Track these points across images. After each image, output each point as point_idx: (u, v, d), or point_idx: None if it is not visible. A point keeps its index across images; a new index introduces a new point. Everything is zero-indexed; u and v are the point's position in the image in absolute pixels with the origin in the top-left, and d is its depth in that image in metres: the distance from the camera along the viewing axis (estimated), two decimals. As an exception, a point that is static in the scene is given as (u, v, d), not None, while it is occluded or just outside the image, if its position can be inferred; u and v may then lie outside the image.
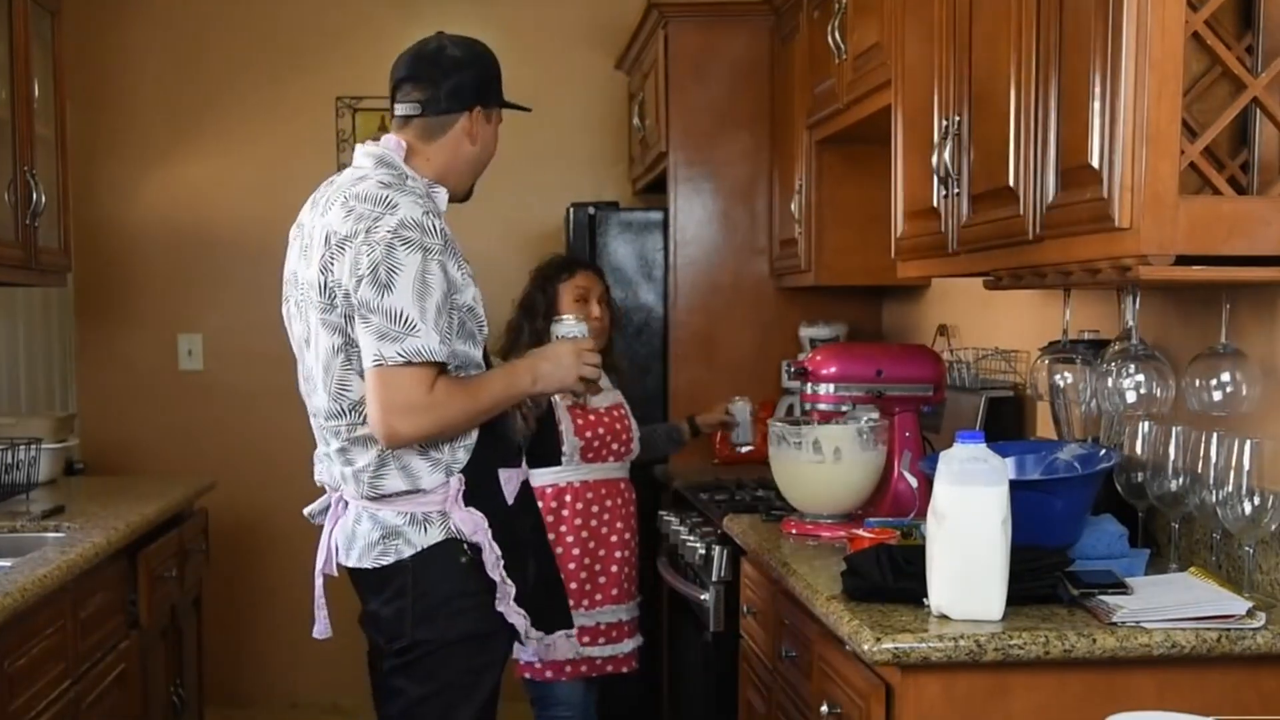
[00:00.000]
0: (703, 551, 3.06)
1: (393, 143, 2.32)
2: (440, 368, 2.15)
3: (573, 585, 3.20)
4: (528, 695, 3.32)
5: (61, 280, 3.79)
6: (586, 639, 3.22)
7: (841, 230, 3.63)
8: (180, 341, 4.73)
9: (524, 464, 2.41)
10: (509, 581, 2.24)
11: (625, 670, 3.32)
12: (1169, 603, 1.93)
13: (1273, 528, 2.00)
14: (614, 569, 3.28)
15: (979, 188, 2.30)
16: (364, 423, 2.19)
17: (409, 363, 2.10)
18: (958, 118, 2.36)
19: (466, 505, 2.22)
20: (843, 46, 3.19)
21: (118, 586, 2.95)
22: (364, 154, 2.33)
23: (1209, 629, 1.86)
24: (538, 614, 2.32)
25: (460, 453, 2.24)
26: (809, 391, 2.89)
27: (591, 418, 3.26)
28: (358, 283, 2.12)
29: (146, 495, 3.42)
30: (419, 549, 2.21)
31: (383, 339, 2.10)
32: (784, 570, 2.41)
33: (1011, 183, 2.15)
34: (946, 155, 2.39)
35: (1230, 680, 1.89)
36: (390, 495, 2.22)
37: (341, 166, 4.68)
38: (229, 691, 4.62)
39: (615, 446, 3.29)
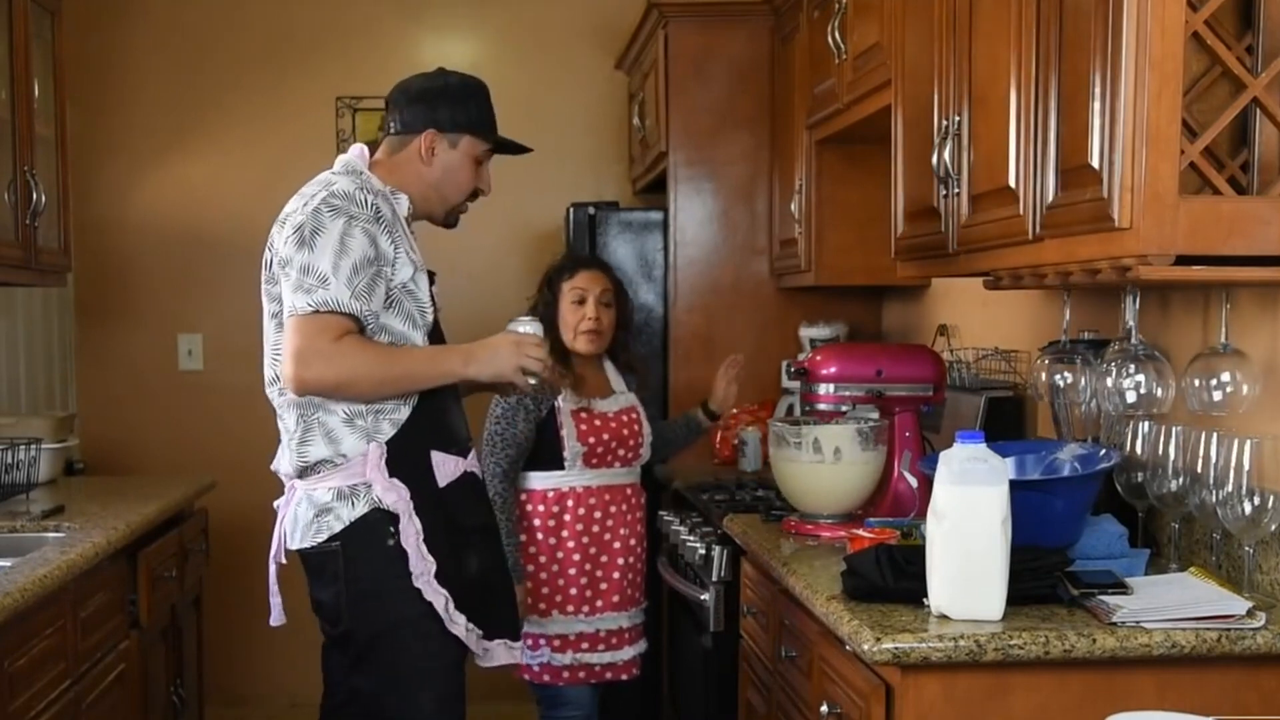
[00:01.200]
0: (703, 551, 3.06)
1: (356, 150, 2.47)
2: (351, 321, 2.24)
3: (573, 591, 3.17)
4: (533, 696, 3.31)
5: (61, 280, 3.79)
6: (586, 645, 3.19)
7: (841, 230, 3.63)
8: (180, 341, 4.73)
9: (470, 458, 2.46)
10: (428, 557, 2.30)
11: (625, 677, 3.27)
12: (1169, 603, 1.93)
13: (1273, 528, 1.99)
14: (615, 575, 3.20)
15: (979, 188, 2.30)
16: (287, 390, 2.30)
17: (316, 311, 2.21)
18: (958, 118, 2.36)
19: (390, 476, 2.29)
20: (843, 46, 3.19)
21: (118, 586, 2.95)
22: (339, 161, 2.46)
23: (1209, 629, 1.86)
24: (474, 612, 2.36)
25: (385, 425, 2.31)
26: (809, 391, 2.89)
27: (597, 423, 3.18)
28: (284, 244, 2.27)
29: (146, 495, 3.41)
30: (347, 523, 2.29)
31: (296, 291, 2.22)
32: (784, 570, 2.41)
33: (1011, 183, 2.15)
34: (946, 155, 2.39)
35: (1230, 680, 1.89)
36: (316, 464, 2.31)
37: (341, 166, 4.74)
38: (229, 691, 4.62)
39: (622, 452, 3.21)
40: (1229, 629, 1.86)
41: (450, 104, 2.47)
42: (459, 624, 2.34)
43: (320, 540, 2.32)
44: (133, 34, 4.66)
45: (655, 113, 4.21)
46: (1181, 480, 2.14)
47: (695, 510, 3.40)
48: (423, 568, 2.30)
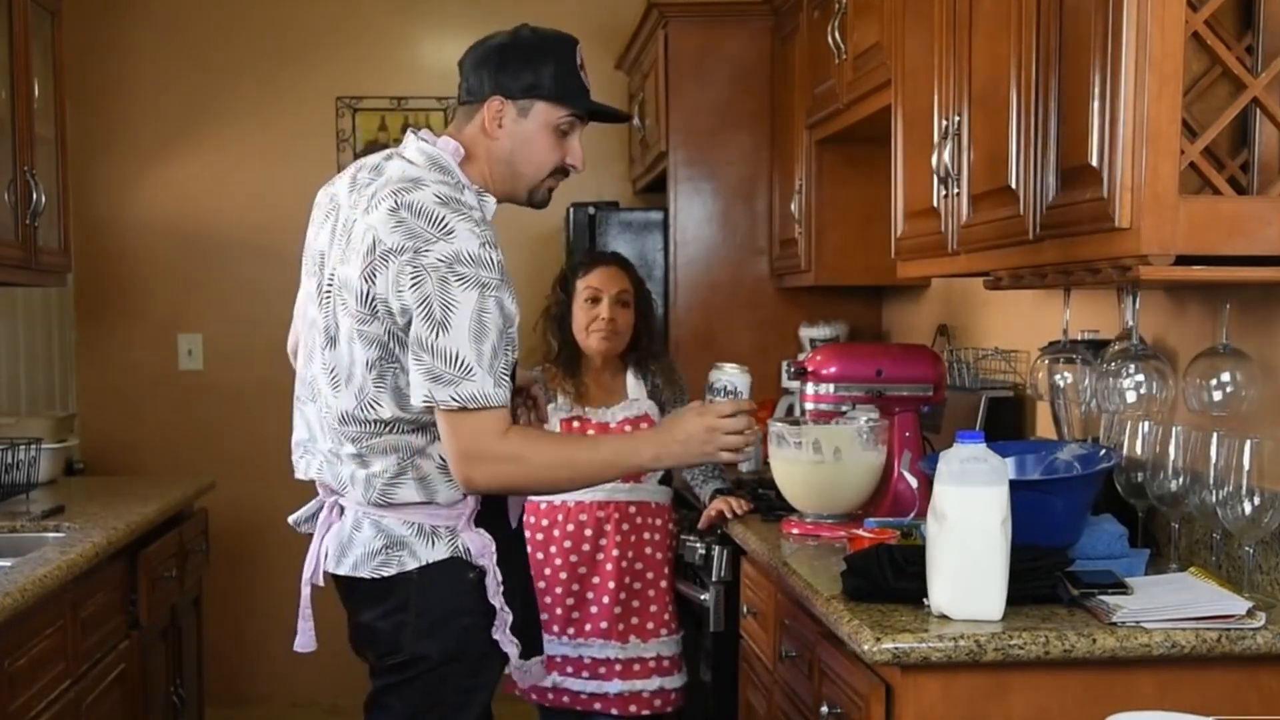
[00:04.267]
0: (703, 551, 3.06)
1: (450, 146, 2.14)
2: (502, 412, 2.02)
3: (558, 611, 3.06)
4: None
5: (61, 280, 3.79)
6: (570, 670, 3.06)
7: (841, 230, 3.63)
8: (180, 341, 4.73)
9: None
10: (507, 609, 2.14)
11: (615, 711, 3.07)
12: (1169, 603, 1.93)
13: (1273, 528, 1.99)
14: (606, 600, 3.06)
15: (979, 188, 2.30)
16: (383, 434, 2.08)
17: (464, 408, 1.98)
18: (958, 118, 2.36)
19: (476, 526, 2.13)
20: (843, 46, 3.19)
21: (118, 586, 2.95)
22: (418, 149, 2.13)
23: (1209, 629, 1.86)
24: (523, 640, 2.21)
25: None
26: (809, 391, 2.89)
27: (590, 433, 3.05)
28: (403, 307, 1.99)
29: (146, 495, 3.41)
30: (424, 563, 2.09)
31: (436, 381, 1.97)
32: (784, 570, 2.41)
33: (1011, 183, 2.15)
34: (946, 155, 2.39)
35: (1230, 680, 1.89)
36: (400, 505, 2.10)
37: (341, 167, 4.73)
38: (229, 691, 4.62)
39: None
40: (1229, 629, 1.86)
41: (519, 65, 2.13)
42: (522, 664, 2.22)
43: (388, 573, 2.10)
44: (133, 34, 4.66)
45: (655, 113, 4.21)
46: (1181, 480, 2.14)
47: (696, 510, 3.40)
48: (502, 619, 2.14)
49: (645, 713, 3.10)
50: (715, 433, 2.14)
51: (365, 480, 2.10)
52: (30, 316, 4.23)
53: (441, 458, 2.07)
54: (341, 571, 2.15)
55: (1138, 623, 1.87)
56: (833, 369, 2.85)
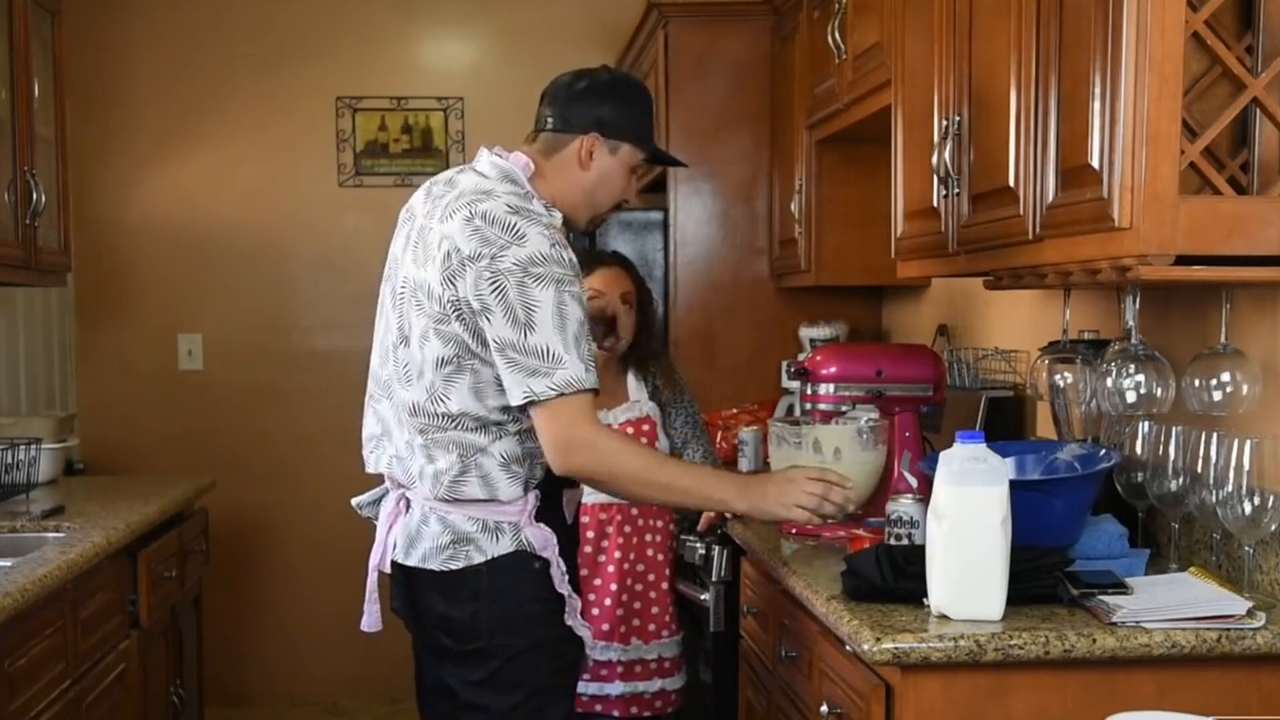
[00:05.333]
0: (703, 551, 3.06)
1: (521, 161, 2.27)
2: (593, 397, 2.14)
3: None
4: None
5: (61, 280, 3.79)
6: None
7: (841, 230, 3.63)
8: (180, 341, 4.73)
9: (581, 487, 2.37)
10: (575, 596, 2.25)
11: (617, 713, 3.08)
12: (1169, 603, 1.93)
13: (1273, 528, 1.99)
14: (608, 602, 3.06)
15: (979, 188, 2.30)
16: (448, 429, 2.18)
17: (561, 395, 2.10)
18: (958, 118, 2.36)
19: (537, 521, 2.23)
20: (843, 46, 3.19)
21: (118, 586, 2.95)
22: (490, 163, 2.27)
23: (1209, 629, 1.86)
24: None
25: (539, 469, 2.23)
26: (809, 391, 2.89)
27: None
28: (483, 307, 2.10)
29: (146, 495, 3.42)
30: (490, 557, 2.19)
31: (533, 376, 2.09)
32: (784, 570, 2.41)
33: (1011, 183, 2.15)
34: (946, 155, 2.39)
35: (1230, 680, 1.89)
36: (465, 501, 2.20)
37: (340, 167, 4.74)
38: (229, 691, 4.62)
39: None
40: (1229, 629, 1.86)
41: (616, 106, 2.31)
42: (595, 647, 2.34)
43: (456, 567, 2.21)
44: (133, 34, 4.66)
45: (655, 112, 4.20)
46: (1181, 480, 2.14)
47: (695, 510, 3.40)
48: (571, 605, 2.25)
49: (646, 714, 3.10)
50: (793, 485, 2.26)
51: (433, 476, 2.20)
52: (30, 316, 4.23)
53: (503, 455, 2.19)
54: (411, 562, 2.25)
55: (1138, 623, 1.87)
56: (833, 369, 2.85)
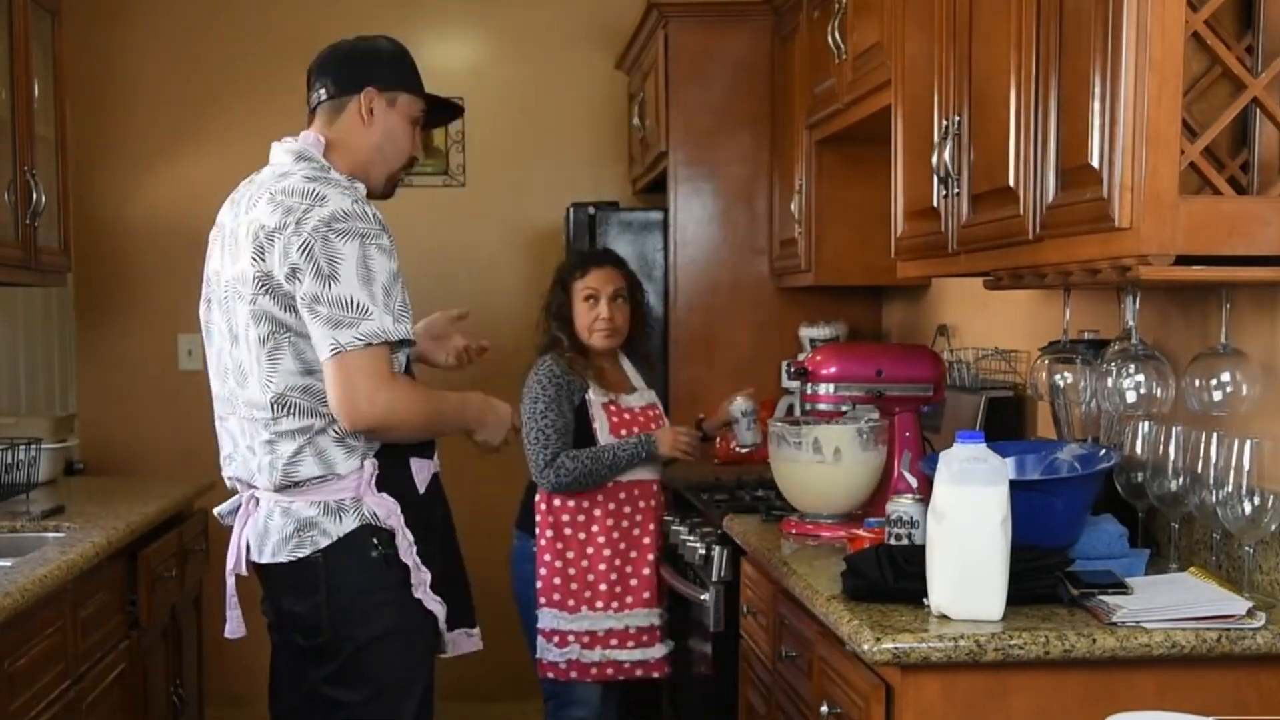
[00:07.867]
0: (703, 551, 3.06)
1: (311, 138, 2.34)
2: (400, 346, 2.21)
3: (602, 587, 3.21)
4: (544, 691, 3.31)
5: (61, 280, 3.79)
6: (615, 641, 3.22)
7: (841, 230, 3.63)
8: (180, 341, 4.72)
9: (435, 458, 2.42)
10: (423, 568, 2.27)
11: (657, 675, 3.28)
12: (1169, 603, 1.93)
13: (1273, 528, 1.99)
14: (645, 572, 3.25)
15: (979, 188, 2.30)
16: (283, 417, 2.22)
17: (368, 344, 2.14)
18: (958, 118, 2.36)
19: (379, 490, 2.25)
20: (843, 46, 3.19)
21: (118, 586, 2.95)
22: (283, 151, 2.34)
23: (1209, 629, 1.86)
24: (449, 609, 2.34)
25: (376, 440, 2.27)
26: (809, 391, 2.89)
27: (626, 416, 3.24)
28: (291, 272, 2.15)
29: (146, 495, 3.42)
30: (335, 538, 2.23)
31: (337, 327, 2.13)
32: (784, 570, 2.41)
33: (1011, 183, 2.15)
34: (946, 155, 2.39)
35: (1230, 680, 1.89)
36: (302, 483, 2.24)
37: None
38: (229, 691, 4.61)
39: None
40: (1229, 629, 1.86)
41: (383, 62, 2.41)
42: (452, 631, 2.36)
43: (301, 555, 2.25)
44: (132, 34, 4.66)
45: (655, 113, 4.21)
46: (1181, 480, 2.14)
47: (695, 510, 3.40)
48: (419, 578, 2.28)
49: (668, 671, 3.32)
50: (496, 410, 2.46)
51: (269, 466, 2.26)
52: (30, 316, 4.23)
53: (338, 430, 2.21)
54: (263, 560, 2.32)
55: (1138, 623, 1.87)
56: (833, 369, 2.86)
